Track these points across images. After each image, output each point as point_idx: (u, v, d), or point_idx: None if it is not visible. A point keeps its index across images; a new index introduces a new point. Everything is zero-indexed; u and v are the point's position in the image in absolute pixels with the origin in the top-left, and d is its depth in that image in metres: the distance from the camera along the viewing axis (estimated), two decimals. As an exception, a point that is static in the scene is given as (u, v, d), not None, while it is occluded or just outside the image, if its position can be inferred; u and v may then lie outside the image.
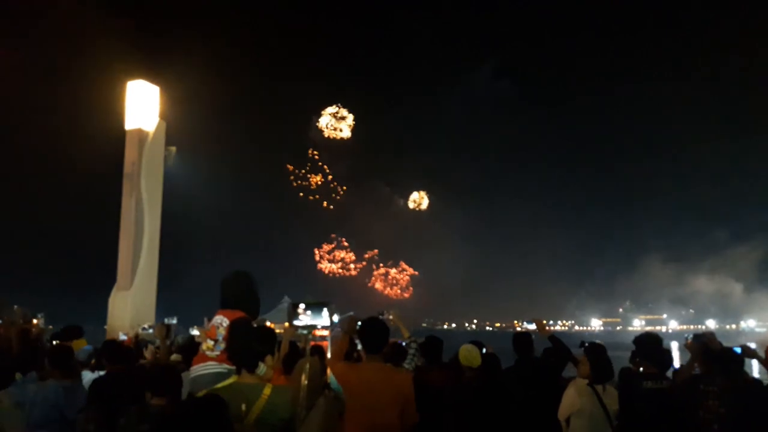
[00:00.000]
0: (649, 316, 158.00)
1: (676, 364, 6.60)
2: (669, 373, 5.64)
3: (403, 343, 6.11)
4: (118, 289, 10.87)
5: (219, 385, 3.68)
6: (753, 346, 5.90)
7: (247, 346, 3.79)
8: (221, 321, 4.07)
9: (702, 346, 5.65)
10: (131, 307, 10.39)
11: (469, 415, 5.48)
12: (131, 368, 5.92)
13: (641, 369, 5.56)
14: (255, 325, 4.71)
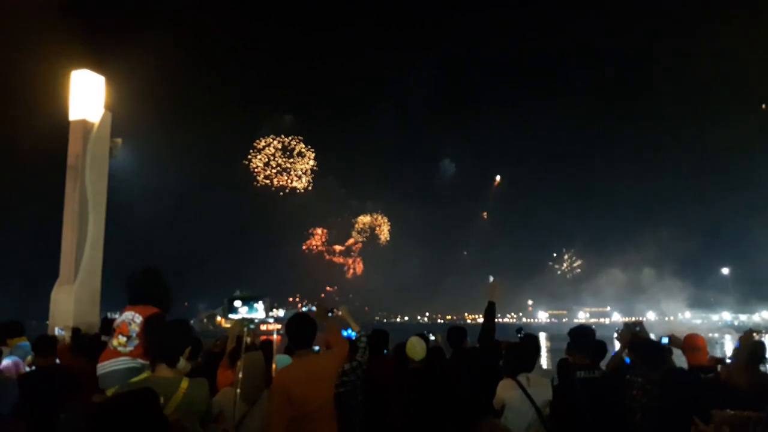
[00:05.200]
0: (593, 309, 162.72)
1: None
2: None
3: (353, 337, 6.31)
4: (60, 284, 10.54)
5: (134, 380, 3.69)
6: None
7: (167, 341, 3.80)
8: (132, 317, 4.06)
9: (630, 335, 5.89)
10: (75, 302, 10.11)
11: (413, 405, 5.65)
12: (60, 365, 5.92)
13: (575, 360, 5.82)
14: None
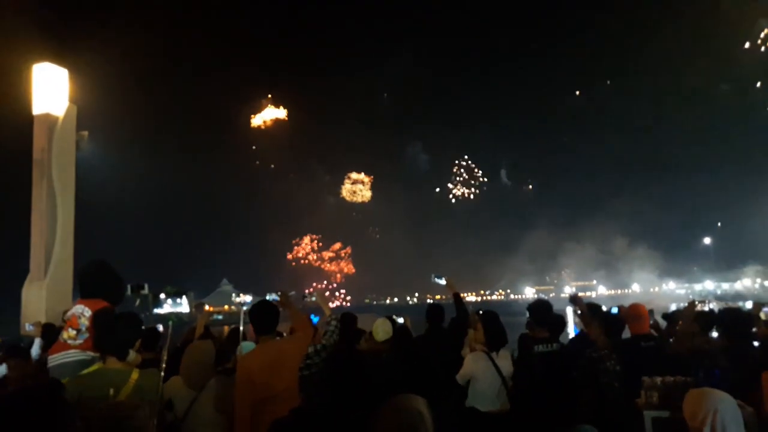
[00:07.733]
0: (579, 283, 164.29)
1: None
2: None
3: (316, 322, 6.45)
4: (31, 280, 10.50)
5: (84, 372, 3.74)
6: None
7: (115, 334, 3.83)
8: (82, 310, 4.09)
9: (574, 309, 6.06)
10: (46, 298, 10.09)
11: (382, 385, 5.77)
12: None
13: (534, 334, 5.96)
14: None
